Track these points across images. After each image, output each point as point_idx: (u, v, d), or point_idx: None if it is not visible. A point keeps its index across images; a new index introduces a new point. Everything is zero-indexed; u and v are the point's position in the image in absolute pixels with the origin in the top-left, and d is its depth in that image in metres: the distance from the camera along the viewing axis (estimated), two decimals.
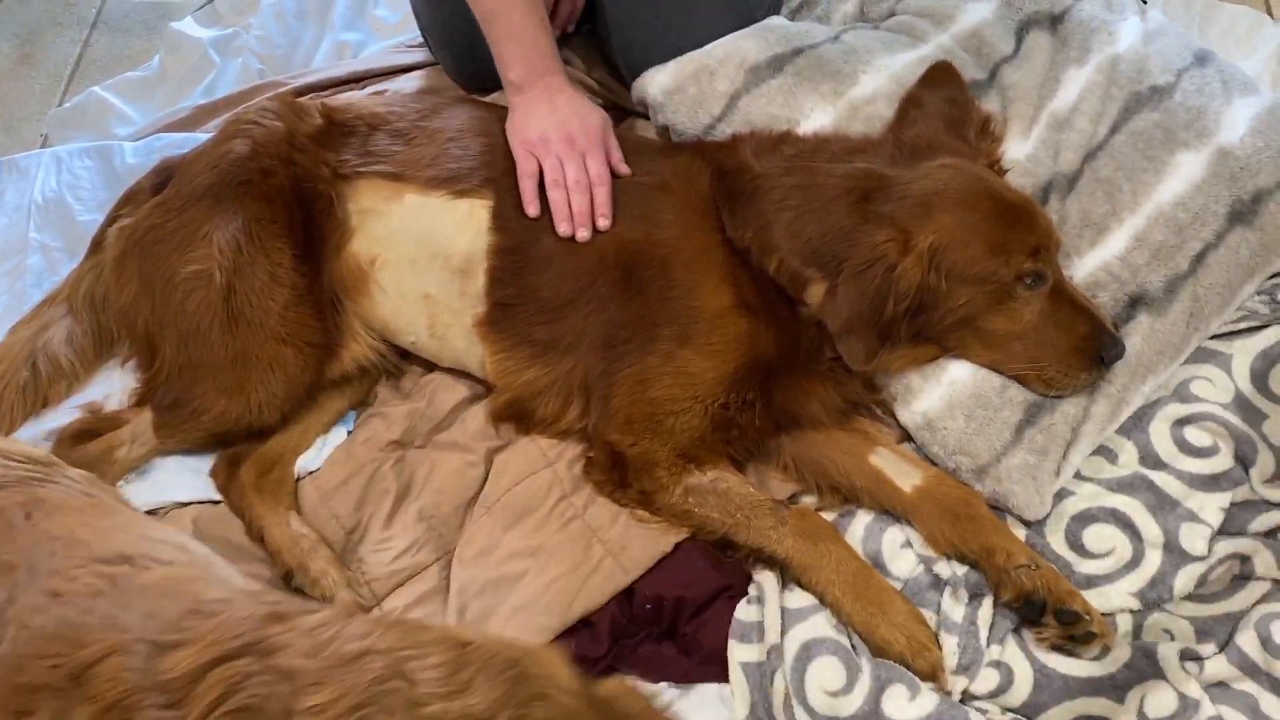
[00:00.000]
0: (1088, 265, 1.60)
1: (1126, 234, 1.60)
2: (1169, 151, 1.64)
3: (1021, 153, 1.67)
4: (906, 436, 1.58)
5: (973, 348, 1.50)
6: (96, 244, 1.68)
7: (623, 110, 1.93)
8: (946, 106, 1.61)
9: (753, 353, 1.49)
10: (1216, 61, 1.73)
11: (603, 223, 1.54)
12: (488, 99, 1.87)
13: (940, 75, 1.65)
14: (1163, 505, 1.49)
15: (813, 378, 1.52)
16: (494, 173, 1.59)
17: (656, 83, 1.80)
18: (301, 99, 1.77)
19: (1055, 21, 1.81)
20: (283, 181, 1.60)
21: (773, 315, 1.50)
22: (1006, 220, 1.45)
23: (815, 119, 1.71)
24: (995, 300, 1.45)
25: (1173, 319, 1.57)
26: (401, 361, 1.73)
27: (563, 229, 1.54)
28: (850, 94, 1.72)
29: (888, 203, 1.45)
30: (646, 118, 1.83)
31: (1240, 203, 1.61)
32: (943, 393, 1.52)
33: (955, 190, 1.46)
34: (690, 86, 1.76)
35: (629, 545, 1.51)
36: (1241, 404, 1.57)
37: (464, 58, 1.88)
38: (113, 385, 1.69)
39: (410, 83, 2.00)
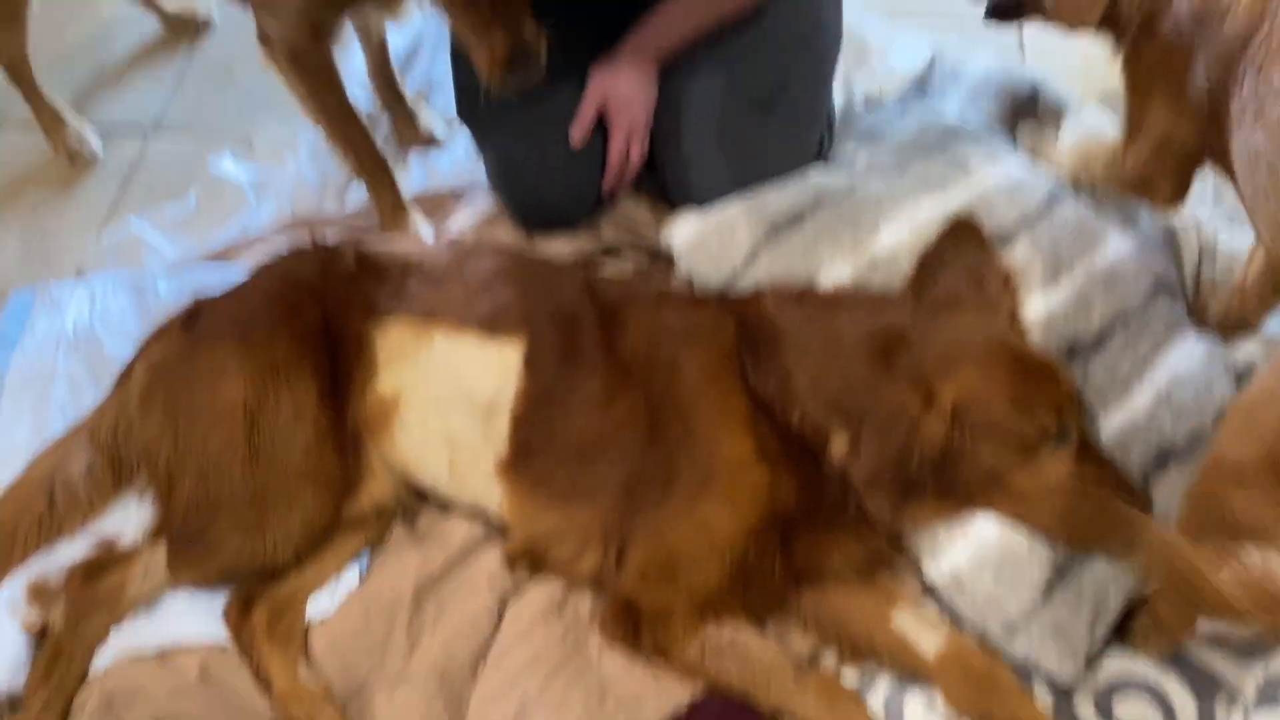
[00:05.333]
0: (1114, 423, 1.59)
1: (1151, 391, 1.60)
2: (1180, 331, 1.69)
3: (1044, 308, 1.68)
4: (929, 590, 1.55)
5: (999, 504, 1.48)
6: (124, 377, 1.69)
7: (652, 253, 2.00)
8: (967, 261, 1.63)
9: (774, 504, 1.48)
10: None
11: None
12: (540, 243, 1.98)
13: (961, 230, 1.68)
14: (1198, 678, 1.45)
15: (835, 531, 1.50)
16: (529, 317, 1.61)
17: (681, 233, 1.85)
18: (335, 241, 1.81)
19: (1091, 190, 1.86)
20: (313, 320, 1.62)
21: (796, 467, 1.49)
22: (1029, 377, 1.45)
23: (835, 271, 1.74)
24: (1019, 458, 1.44)
25: None
26: (418, 502, 1.72)
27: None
28: (871, 247, 1.75)
29: (909, 357, 1.46)
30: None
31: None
32: (970, 549, 1.49)
33: (977, 346, 1.46)
34: (713, 238, 1.81)
35: (644, 699, 1.47)
36: None
37: (525, 201, 2.01)
38: (128, 518, 1.67)
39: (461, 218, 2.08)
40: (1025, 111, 2.13)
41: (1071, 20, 1.70)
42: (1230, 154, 1.47)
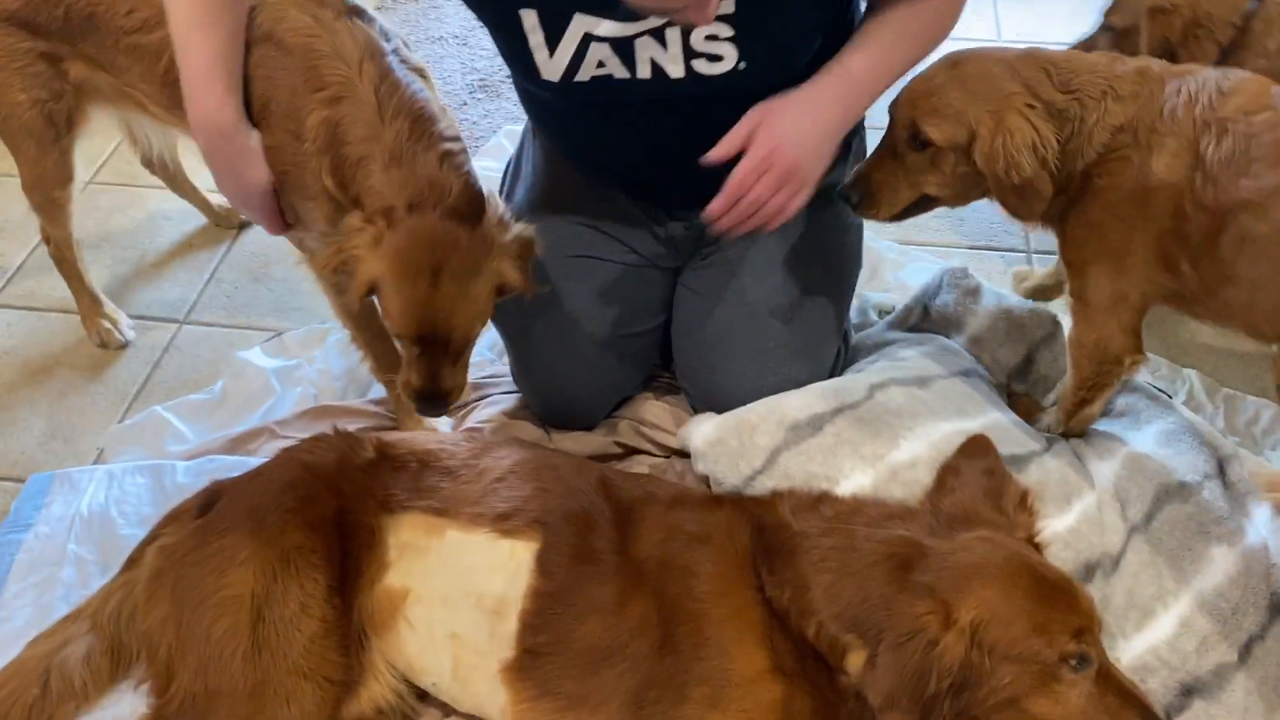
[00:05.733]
0: (1135, 649, 1.56)
1: (1173, 619, 1.57)
2: (1204, 544, 1.66)
3: (1063, 526, 1.67)
4: None
5: None
6: (133, 560, 1.67)
7: (668, 452, 2.02)
8: (984, 478, 1.63)
9: None
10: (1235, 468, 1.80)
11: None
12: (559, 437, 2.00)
13: (977, 447, 1.69)
14: None
15: None
16: (543, 515, 1.61)
17: (700, 433, 1.87)
18: (356, 429, 1.83)
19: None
20: (327, 511, 1.62)
21: (810, 682, 1.45)
22: (1048, 598, 1.42)
23: (854, 480, 1.75)
24: (1039, 681, 1.40)
25: (1229, 708, 1.50)
26: (419, 704, 1.67)
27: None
28: (890, 458, 1.77)
29: (926, 573, 1.44)
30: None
31: (1278, 597, 1.59)
32: None
33: (995, 564, 1.44)
34: (732, 439, 1.83)
35: None
36: None
37: (547, 398, 2.05)
38: (121, 709, 1.62)
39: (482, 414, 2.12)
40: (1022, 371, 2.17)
41: (1016, 209, 1.76)
42: (1199, 292, 1.65)
